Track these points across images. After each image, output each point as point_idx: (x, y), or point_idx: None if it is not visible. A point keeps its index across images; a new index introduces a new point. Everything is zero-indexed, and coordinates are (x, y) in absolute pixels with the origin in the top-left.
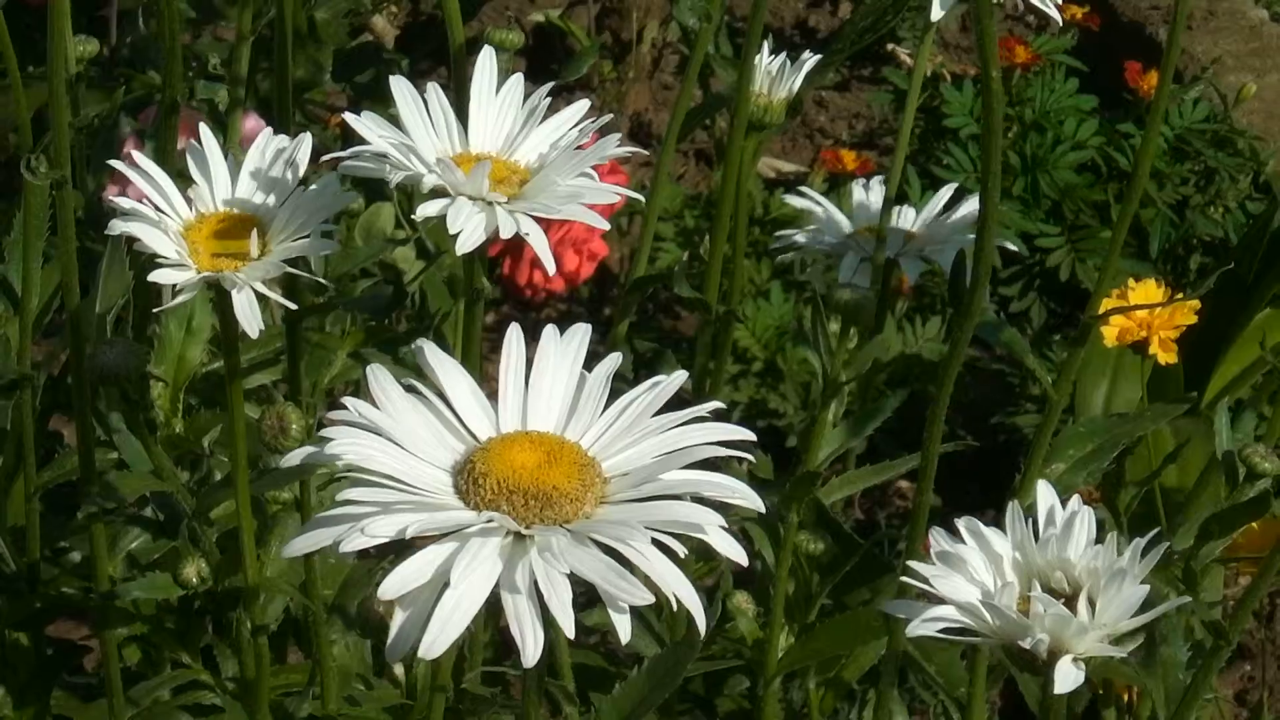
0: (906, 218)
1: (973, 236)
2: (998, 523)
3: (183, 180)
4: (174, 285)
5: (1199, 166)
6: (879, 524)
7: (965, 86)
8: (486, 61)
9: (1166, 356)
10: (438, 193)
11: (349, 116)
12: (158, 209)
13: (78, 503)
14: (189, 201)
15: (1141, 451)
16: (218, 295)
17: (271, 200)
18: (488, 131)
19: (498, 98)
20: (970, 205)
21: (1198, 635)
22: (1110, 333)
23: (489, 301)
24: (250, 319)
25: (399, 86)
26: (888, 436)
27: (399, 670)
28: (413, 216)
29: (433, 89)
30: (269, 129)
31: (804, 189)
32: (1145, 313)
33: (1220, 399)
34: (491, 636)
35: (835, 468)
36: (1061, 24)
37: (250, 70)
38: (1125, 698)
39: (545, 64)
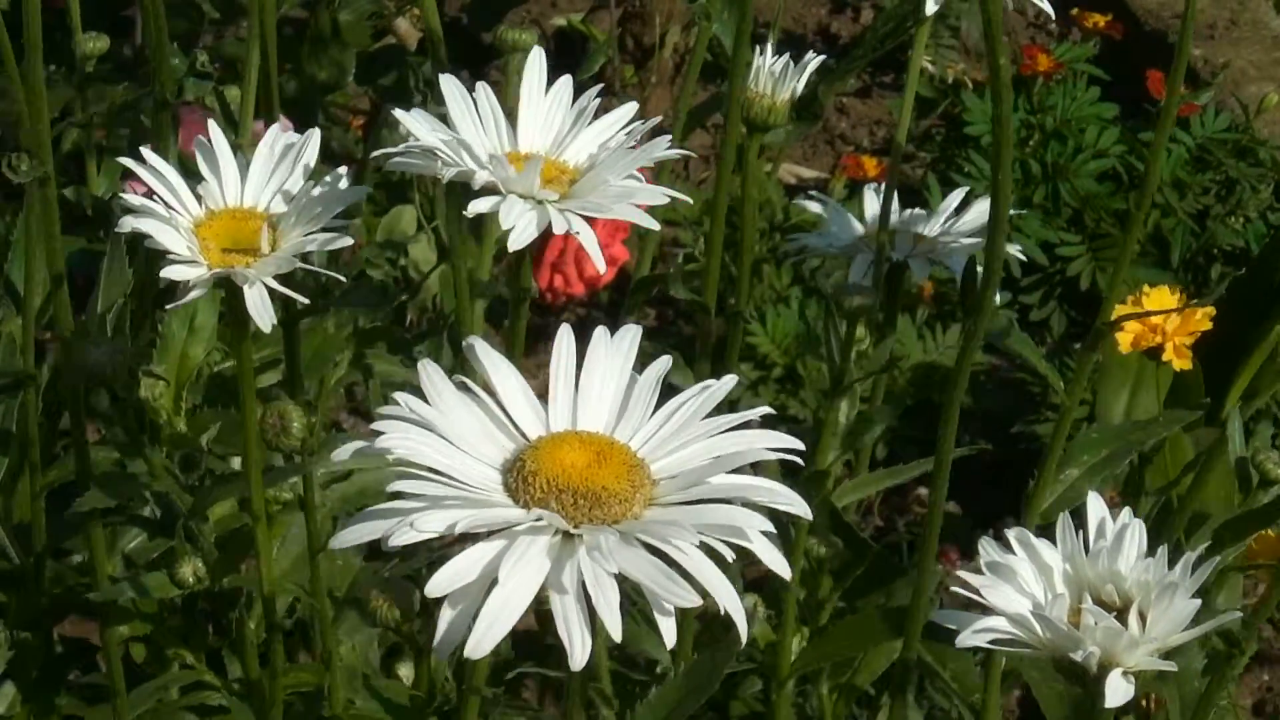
0: (919, 221)
1: (982, 240)
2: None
3: (191, 177)
4: (185, 282)
5: (1220, 176)
6: (899, 531)
7: (986, 94)
8: (536, 61)
9: (1182, 363)
10: (488, 190)
11: (399, 113)
12: (168, 206)
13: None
14: (198, 198)
15: (1160, 462)
16: (228, 292)
17: (282, 196)
18: (536, 131)
19: (547, 98)
20: (979, 207)
21: (1214, 642)
22: (1125, 338)
23: (505, 305)
24: (263, 314)
25: (449, 85)
26: (907, 444)
27: (404, 672)
28: (434, 221)
29: (482, 88)
30: (277, 125)
31: (814, 193)
32: (1160, 319)
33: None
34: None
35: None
36: (1054, 17)
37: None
38: (1144, 704)
39: (567, 69)
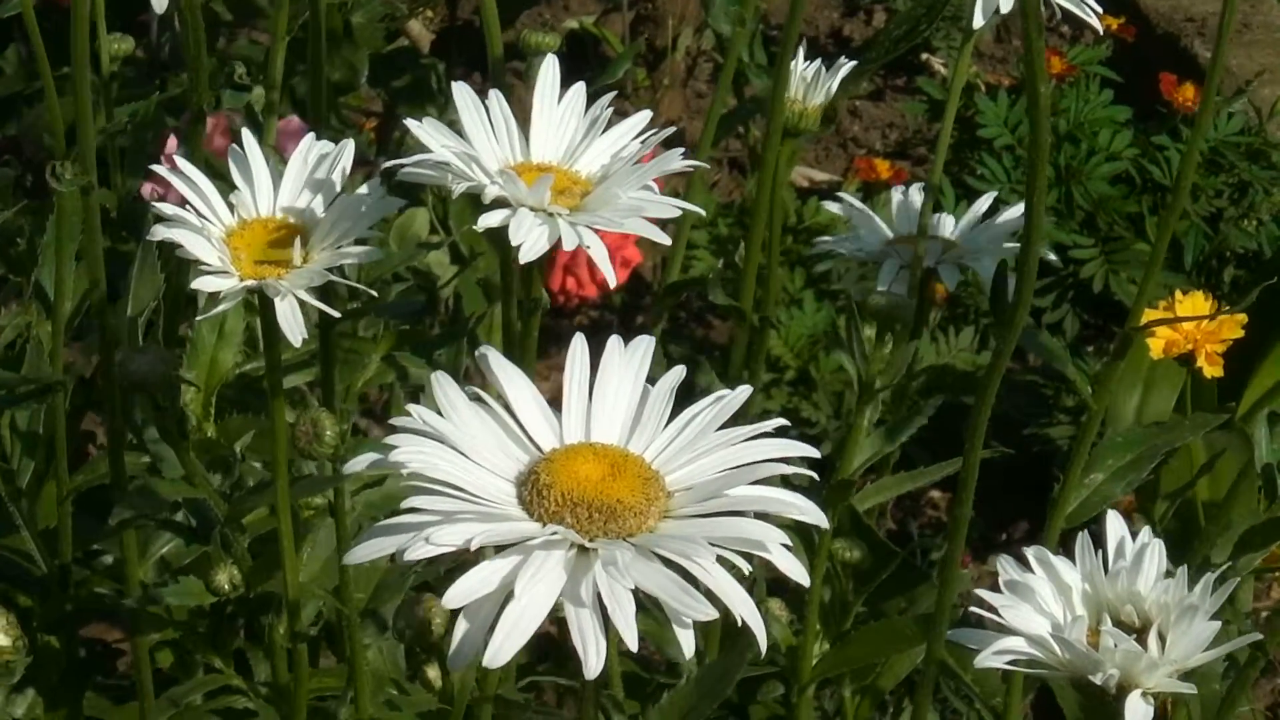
0: (945, 226)
1: (1011, 245)
2: (1033, 536)
3: (222, 185)
4: (215, 292)
5: (1233, 179)
6: (911, 534)
7: (1000, 97)
8: (549, 70)
9: (1213, 370)
10: (499, 203)
11: (411, 123)
12: (200, 215)
13: (110, 506)
14: (231, 207)
15: (1175, 464)
16: (260, 303)
17: (314, 207)
18: (549, 141)
19: (559, 106)
20: (1008, 214)
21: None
22: (1157, 345)
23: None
24: (294, 327)
25: (461, 93)
26: (919, 446)
27: (432, 674)
28: (447, 221)
29: (495, 96)
30: (311, 134)
31: (842, 194)
32: (1192, 326)
33: (1255, 411)
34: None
35: (869, 476)
36: (1100, 32)
37: (286, 74)
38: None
39: (580, 71)
